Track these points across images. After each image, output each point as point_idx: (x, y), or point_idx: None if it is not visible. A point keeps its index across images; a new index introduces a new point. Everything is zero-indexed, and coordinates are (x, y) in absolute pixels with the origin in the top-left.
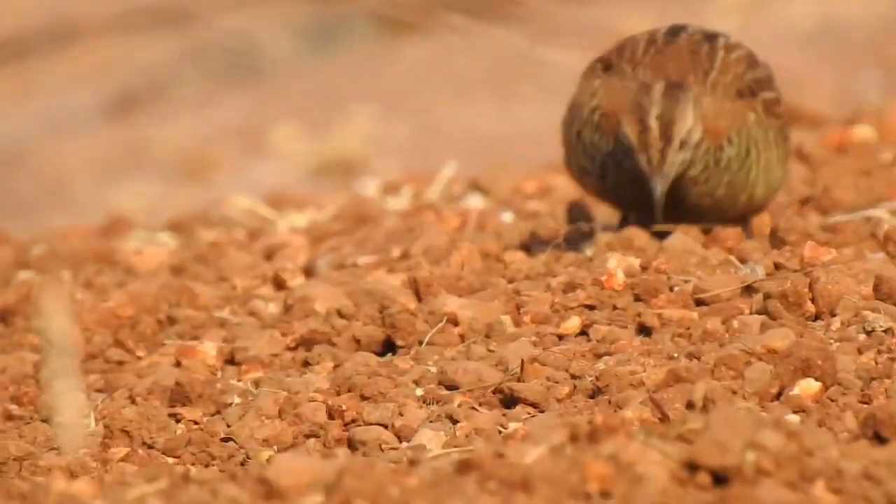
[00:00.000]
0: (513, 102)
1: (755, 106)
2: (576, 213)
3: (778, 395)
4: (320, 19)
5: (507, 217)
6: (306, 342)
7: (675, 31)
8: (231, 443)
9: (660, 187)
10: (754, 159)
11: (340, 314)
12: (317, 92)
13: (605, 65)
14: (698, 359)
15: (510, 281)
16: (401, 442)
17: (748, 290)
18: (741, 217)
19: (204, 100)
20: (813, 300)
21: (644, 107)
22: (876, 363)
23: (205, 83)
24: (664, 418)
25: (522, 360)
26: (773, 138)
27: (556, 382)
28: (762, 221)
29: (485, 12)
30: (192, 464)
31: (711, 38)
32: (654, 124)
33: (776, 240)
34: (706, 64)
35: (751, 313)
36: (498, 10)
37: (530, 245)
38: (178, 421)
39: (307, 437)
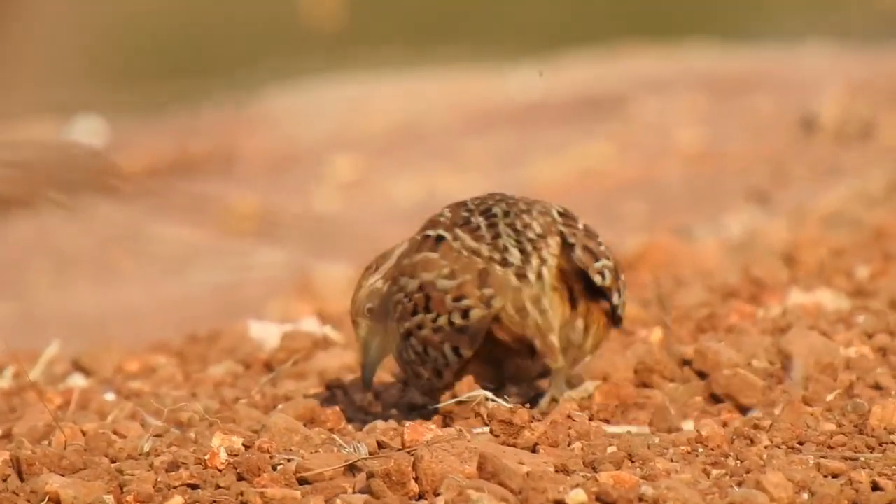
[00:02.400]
0: (115, 280)
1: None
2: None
3: None
4: None
5: (110, 396)
6: None
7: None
8: None
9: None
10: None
11: None
12: None
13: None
14: None
15: (113, 460)
16: None
17: (351, 468)
18: None
19: None
20: (416, 479)
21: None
22: None
23: None
24: None
25: None
26: None
27: None
28: None
29: (90, 187)
30: None
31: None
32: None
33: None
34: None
35: (354, 492)
36: (104, 186)
37: (134, 424)
38: None
39: None
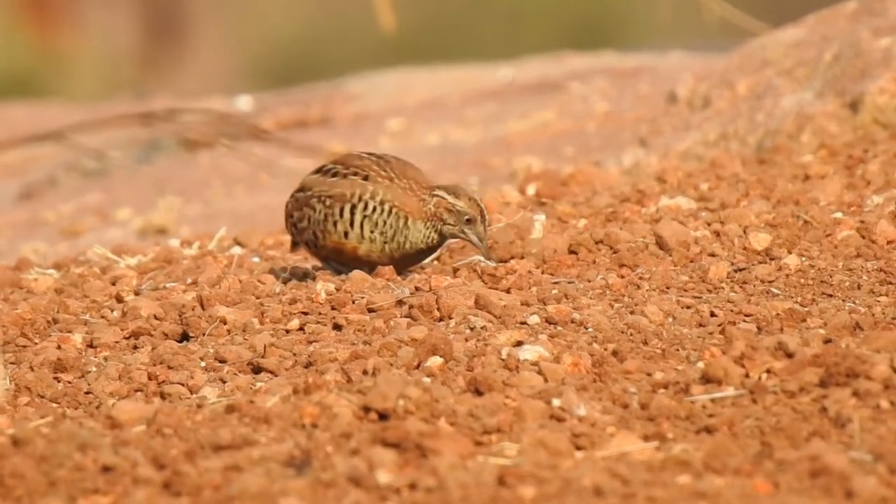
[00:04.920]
0: (259, 191)
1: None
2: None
3: (417, 366)
4: (144, 140)
5: (256, 259)
6: (135, 334)
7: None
8: (90, 395)
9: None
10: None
11: (156, 317)
12: (144, 186)
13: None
14: (370, 344)
15: (257, 297)
16: (192, 394)
17: (399, 303)
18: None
19: (75, 191)
20: (438, 308)
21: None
22: (475, 346)
23: (76, 180)
24: (349, 380)
25: (264, 345)
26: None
27: (285, 359)
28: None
29: (244, 136)
30: (68, 407)
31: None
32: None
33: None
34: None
35: (401, 317)
36: (251, 135)
37: (270, 276)
38: (58, 381)
39: (136, 391)
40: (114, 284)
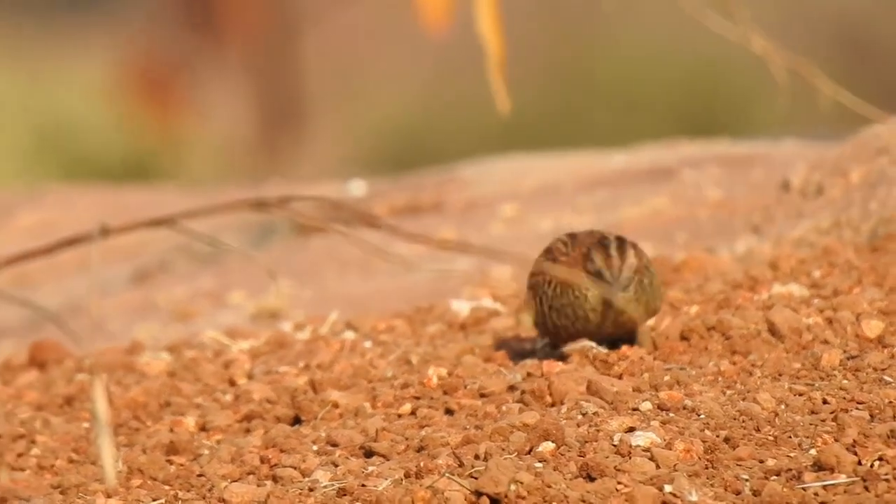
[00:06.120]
0: (371, 276)
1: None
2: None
3: (529, 451)
4: (258, 225)
5: (368, 344)
6: (248, 417)
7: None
8: (203, 477)
9: (620, 294)
10: (656, 285)
11: (268, 401)
12: (256, 271)
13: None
14: (482, 429)
15: (369, 381)
16: (304, 477)
17: (511, 388)
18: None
19: (189, 274)
20: (550, 394)
21: (606, 245)
22: (587, 432)
23: (189, 264)
24: (461, 464)
25: (376, 430)
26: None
27: (397, 443)
28: None
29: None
30: (180, 489)
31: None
32: (615, 253)
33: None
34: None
35: (513, 402)
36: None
37: (381, 362)
38: (171, 464)
39: (248, 474)
40: (226, 368)
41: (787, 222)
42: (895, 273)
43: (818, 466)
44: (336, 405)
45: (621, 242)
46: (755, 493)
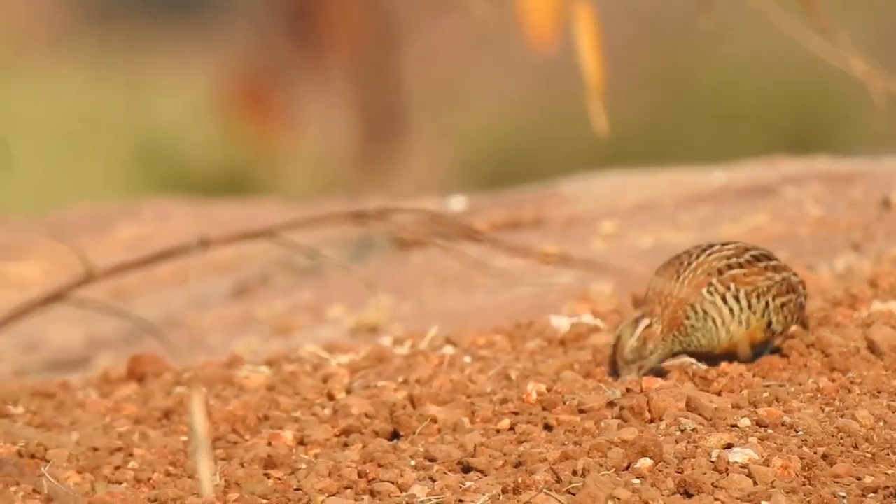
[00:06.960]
0: (471, 291)
1: (710, 281)
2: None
3: (627, 468)
4: (357, 239)
5: (467, 359)
6: (346, 432)
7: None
8: (300, 491)
9: (626, 375)
10: (712, 319)
11: (367, 415)
12: (355, 285)
13: None
14: (580, 445)
15: (468, 397)
16: (401, 492)
17: (610, 404)
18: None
19: (288, 288)
20: (649, 410)
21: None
22: (685, 448)
23: (288, 277)
24: (559, 480)
25: (475, 445)
26: (734, 299)
27: (495, 458)
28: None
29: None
30: (277, 503)
31: (707, 246)
32: (616, 343)
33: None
34: (681, 269)
35: (611, 418)
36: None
37: (480, 377)
38: (268, 478)
39: (346, 488)
40: (325, 382)
41: (887, 240)
42: None
43: None
44: (434, 420)
45: (641, 321)
46: None
